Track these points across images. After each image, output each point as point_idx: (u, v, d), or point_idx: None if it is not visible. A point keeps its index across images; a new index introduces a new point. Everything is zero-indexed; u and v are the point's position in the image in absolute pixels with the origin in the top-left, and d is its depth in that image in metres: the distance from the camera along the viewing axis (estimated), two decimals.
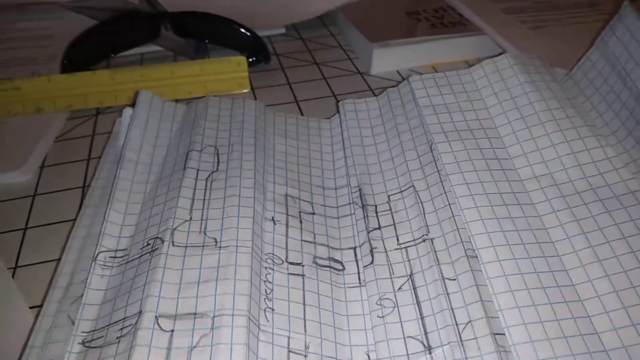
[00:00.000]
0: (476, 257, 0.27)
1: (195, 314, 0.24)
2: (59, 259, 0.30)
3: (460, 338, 0.24)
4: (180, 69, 0.45)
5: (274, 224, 0.29)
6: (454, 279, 0.26)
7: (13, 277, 0.30)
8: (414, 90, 0.36)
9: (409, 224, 0.29)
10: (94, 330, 0.25)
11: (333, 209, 0.32)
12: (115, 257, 0.28)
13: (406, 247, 0.28)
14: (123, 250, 0.28)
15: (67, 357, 0.24)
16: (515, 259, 0.27)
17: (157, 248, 0.27)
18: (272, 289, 0.26)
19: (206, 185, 0.30)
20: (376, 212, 0.30)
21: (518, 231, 0.28)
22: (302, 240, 0.29)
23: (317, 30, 0.56)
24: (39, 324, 0.26)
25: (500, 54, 0.38)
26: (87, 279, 0.27)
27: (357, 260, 0.29)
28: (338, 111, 0.38)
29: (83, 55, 0.48)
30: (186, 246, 0.27)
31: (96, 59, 0.50)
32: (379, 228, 0.29)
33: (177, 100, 0.43)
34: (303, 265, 0.28)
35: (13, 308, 0.28)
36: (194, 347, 0.22)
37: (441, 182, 0.30)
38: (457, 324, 0.24)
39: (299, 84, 0.47)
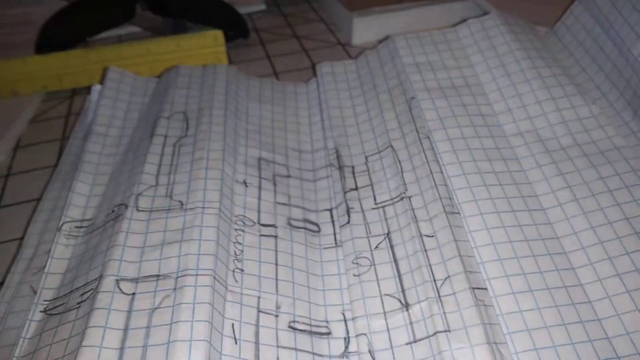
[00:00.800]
0: (456, 213, 0.26)
1: (158, 275, 0.23)
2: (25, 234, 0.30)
3: (439, 294, 0.23)
4: (156, 46, 0.44)
5: (246, 186, 0.28)
6: (432, 236, 0.25)
7: None
8: (398, 48, 0.35)
9: (387, 183, 0.28)
10: (56, 298, 0.24)
11: (309, 172, 0.31)
12: (81, 227, 0.27)
13: (383, 207, 0.27)
14: (89, 220, 0.27)
15: (28, 325, 0.23)
16: (498, 213, 0.26)
17: (121, 214, 0.26)
18: (242, 250, 0.25)
19: (174, 151, 0.29)
20: (353, 173, 0.29)
21: (502, 185, 0.27)
22: (275, 202, 0.28)
23: (298, 5, 0.55)
24: (1, 296, 0.26)
25: (486, 13, 0.37)
26: (50, 249, 0.26)
27: (333, 222, 0.28)
28: (315, 74, 0.37)
29: (58, 36, 0.47)
30: (151, 210, 0.26)
31: (72, 40, 0.48)
32: (356, 189, 0.28)
33: None
34: (276, 227, 0.27)
35: None
36: (156, 308, 0.22)
37: (419, 140, 0.29)
38: (434, 280, 0.23)
39: (278, 57, 0.46)
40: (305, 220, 0.28)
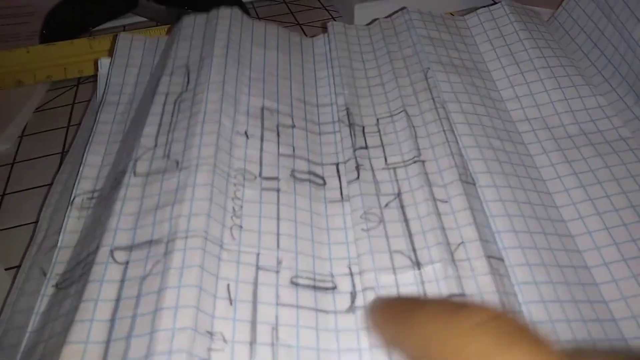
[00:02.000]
0: (471, 183, 0.25)
1: (151, 241, 0.21)
2: (37, 221, 0.29)
3: (453, 257, 0.22)
4: (158, 33, 0.43)
5: (247, 137, 0.26)
6: (446, 201, 0.24)
7: None
8: (413, 19, 0.34)
9: (399, 146, 0.27)
10: (65, 272, 0.23)
11: (315, 125, 0.29)
12: (92, 197, 0.26)
13: (394, 168, 0.26)
14: (100, 190, 0.26)
15: (40, 300, 0.22)
16: (511, 188, 0.25)
17: (120, 181, 0.24)
18: (242, 206, 0.23)
19: (174, 109, 0.28)
20: (363, 132, 0.28)
21: (512, 164, 0.27)
22: (279, 154, 0.26)
23: None
24: (17, 282, 0.25)
25: (494, 3, 0.37)
26: (62, 224, 0.25)
27: (339, 176, 0.26)
28: (326, 32, 0.36)
29: (61, 25, 0.47)
30: (148, 174, 0.24)
31: (75, 30, 0.48)
32: (366, 147, 0.27)
33: None
34: (279, 180, 0.25)
35: None
36: (146, 276, 0.20)
37: (436, 108, 0.28)
38: (449, 244, 0.22)
39: None
40: (310, 173, 0.26)
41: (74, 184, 0.27)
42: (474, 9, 0.37)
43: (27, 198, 0.32)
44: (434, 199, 0.24)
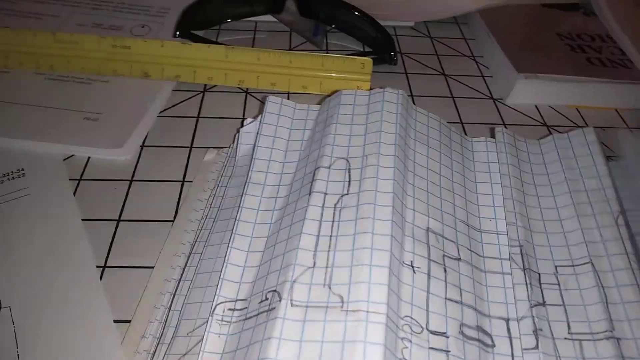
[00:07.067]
0: None
1: None
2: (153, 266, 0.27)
3: None
4: (299, 60, 0.40)
5: (413, 272, 0.24)
6: None
7: (101, 278, 0.27)
8: (595, 142, 0.30)
9: (585, 310, 0.24)
10: None
11: (479, 259, 0.26)
12: (234, 309, 0.24)
13: (580, 340, 0.23)
14: (243, 300, 0.24)
15: None
16: None
17: (274, 308, 0.22)
18: None
19: (334, 216, 0.25)
20: (539, 282, 0.25)
21: None
22: (446, 298, 0.24)
23: (447, 28, 0.50)
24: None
25: None
26: (201, 339, 0.23)
27: (510, 338, 0.23)
28: (492, 136, 0.32)
29: (198, 18, 0.46)
30: (307, 306, 0.22)
31: (210, 23, 0.47)
32: (544, 304, 0.24)
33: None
34: (447, 337, 0.22)
35: (97, 322, 0.25)
36: None
37: (632, 269, 0.24)
38: None
39: (423, 98, 0.42)
40: (479, 329, 0.23)
41: (217, 288, 0.24)
42: None
43: (142, 233, 0.29)
44: None
